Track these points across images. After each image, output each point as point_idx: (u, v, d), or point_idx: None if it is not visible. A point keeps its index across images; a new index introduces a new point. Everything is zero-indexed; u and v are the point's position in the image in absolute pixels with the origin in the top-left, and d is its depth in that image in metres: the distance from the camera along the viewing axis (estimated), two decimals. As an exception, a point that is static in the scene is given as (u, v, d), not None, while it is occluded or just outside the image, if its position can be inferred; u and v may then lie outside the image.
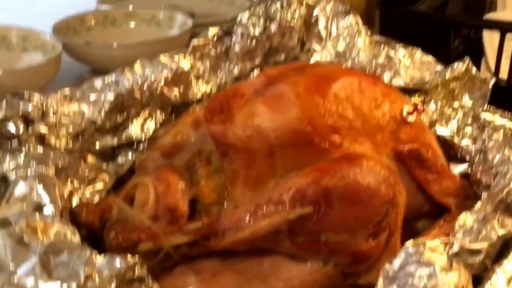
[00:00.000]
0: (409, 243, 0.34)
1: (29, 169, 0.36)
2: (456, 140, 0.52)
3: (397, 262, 0.34)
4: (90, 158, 0.44)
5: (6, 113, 0.39)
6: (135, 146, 0.47)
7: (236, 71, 0.55)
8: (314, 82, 0.41)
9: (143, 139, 0.48)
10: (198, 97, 0.52)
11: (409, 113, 0.44)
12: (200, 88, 0.53)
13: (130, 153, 0.47)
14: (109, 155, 0.47)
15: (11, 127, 0.39)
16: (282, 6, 0.55)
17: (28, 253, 0.30)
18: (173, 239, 0.36)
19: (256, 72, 0.57)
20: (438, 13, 0.80)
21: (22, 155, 0.37)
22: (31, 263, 0.29)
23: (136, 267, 0.31)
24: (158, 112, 0.49)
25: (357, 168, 0.38)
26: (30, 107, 0.40)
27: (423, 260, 0.32)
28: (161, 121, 0.49)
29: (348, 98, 0.42)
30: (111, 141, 0.46)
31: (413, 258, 0.33)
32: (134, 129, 0.47)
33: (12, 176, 0.36)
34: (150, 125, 0.48)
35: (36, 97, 0.41)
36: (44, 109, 0.41)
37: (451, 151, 0.52)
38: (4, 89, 0.75)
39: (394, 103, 0.44)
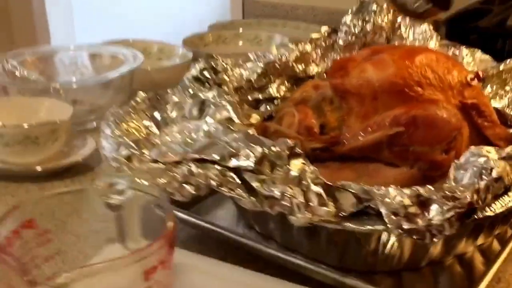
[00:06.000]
0: (472, 147, 0.49)
1: (221, 98, 0.54)
2: (507, 110, 0.67)
3: (463, 158, 0.49)
4: (245, 106, 0.62)
5: (205, 65, 0.58)
6: (273, 101, 0.66)
7: (338, 58, 0.73)
8: (405, 52, 0.58)
9: (278, 97, 0.66)
10: (311, 74, 0.70)
11: (472, 79, 0.60)
12: (313, 69, 0.71)
13: (267, 106, 0.65)
14: (254, 106, 0.65)
15: (207, 74, 0.58)
16: (375, 12, 0.73)
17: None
18: (312, 144, 0.53)
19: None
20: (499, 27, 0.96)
21: (215, 90, 0.56)
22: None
23: (297, 146, 0.48)
24: (286, 81, 0.67)
25: (435, 106, 0.54)
26: (217, 64, 0.59)
27: (482, 154, 0.48)
28: (288, 87, 0.67)
29: (428, 64, 0.58)
30: (257, 95, 0.64)
31: (475, 153, 0.48)
32: (273, 90, 0.65)
33: (211, 100, 0.54)
34: (283, 88, 0.66)
35: (220, 59, 0.60)
36: (223, 67, 0.60)
37: (502, 119, 0.67)
38: (152, 82, 0.96)
39: (461, 72, 0.60)
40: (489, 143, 0.59)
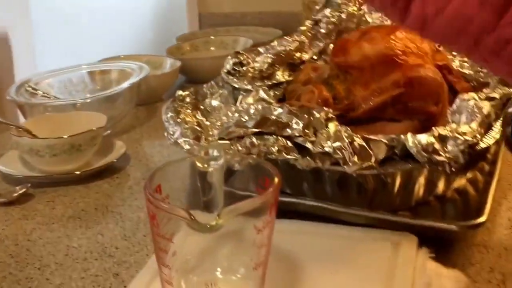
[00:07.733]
0: (460, 95, 0.58)
1: (252, 85, 0.61)
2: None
3: (454, 105, 0.58)
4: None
5: (235, 60, 0.64)
6: (278, 86, 0.72)
7: (321, 45, 0.80)
8: (389, 30, 0.67)
9: (283, 81, 0.72)
10: (304, 60, 0.77)
11: (439, 45, 0.69)
12: (305, 55, 0.78)
13: (276, 90, 0.72)
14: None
15: (236, 67, 0.64)
16: (345, 4, 0.81)
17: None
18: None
19: (331, 46, 0.82)
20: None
21: (245, 80, 0.62)
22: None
23: (329, 112, 0.54)
24: (287, 67, 0.74)
25: (423, 68, 0.63)
26: (244, 59, 0.66)
27: (470, 98, 0.57)
28: (289, 73, 0.74)
29: (406, 37, 0.67)
30: (267, 82, 0.70)
31: (465, 99, 0.57)
32: (279, 76, 0.72)
33: (244, 87, 0.60)
34: (286, 74, 0.73)
35: (244, 53, 0.66)
36: (247, 61, 0.66)
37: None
38: (149, 87, 1.00)
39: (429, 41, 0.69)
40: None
